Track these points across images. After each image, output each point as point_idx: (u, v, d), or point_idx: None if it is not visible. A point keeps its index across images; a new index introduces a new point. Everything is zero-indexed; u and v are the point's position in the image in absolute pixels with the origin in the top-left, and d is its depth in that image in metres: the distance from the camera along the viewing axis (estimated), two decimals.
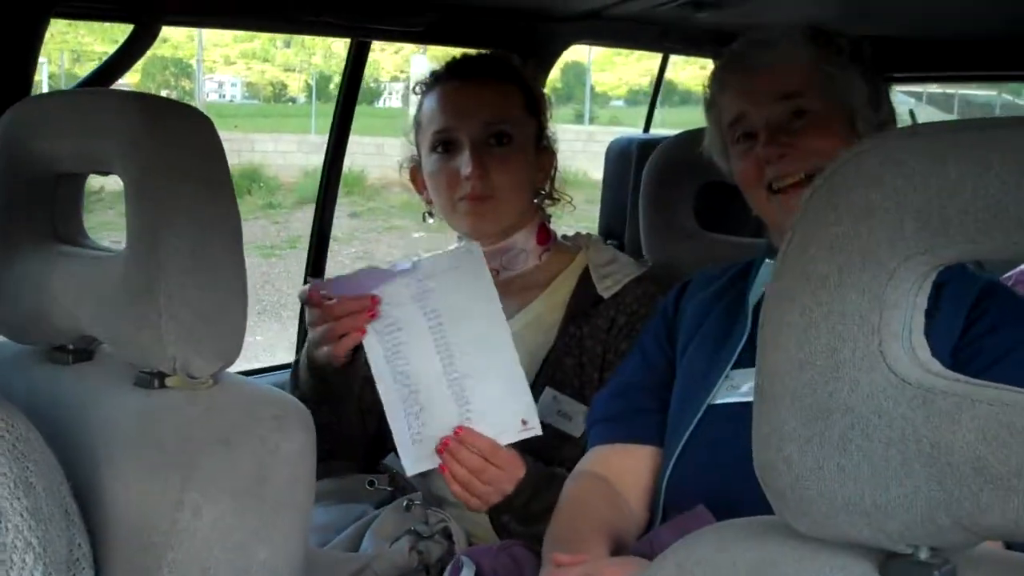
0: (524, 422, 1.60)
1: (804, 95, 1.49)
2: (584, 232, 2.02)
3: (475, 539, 1.73)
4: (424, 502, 1.73)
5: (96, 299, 1.20)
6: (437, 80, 1.87)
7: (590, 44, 2.53)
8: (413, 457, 1.62)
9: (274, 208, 12.26)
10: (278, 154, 14.06)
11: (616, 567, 1.32)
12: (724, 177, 1.65)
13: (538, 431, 1.61)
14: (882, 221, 0.73)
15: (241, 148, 14.00)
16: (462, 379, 1.61)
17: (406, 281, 1.62)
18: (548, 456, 1.71)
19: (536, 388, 1.76)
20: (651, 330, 1.68)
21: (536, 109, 1.90)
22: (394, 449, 1.91)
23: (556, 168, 1.97)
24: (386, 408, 1.63)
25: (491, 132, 1.81)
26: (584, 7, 2.19)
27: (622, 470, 1.56)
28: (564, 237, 1.98)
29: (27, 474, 1.01)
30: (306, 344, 1.78)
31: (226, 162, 1.21)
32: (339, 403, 1.82)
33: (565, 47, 2.36)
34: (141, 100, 1.21)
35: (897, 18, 2.28)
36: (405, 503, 1.72)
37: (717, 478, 1.41)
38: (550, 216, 1.96)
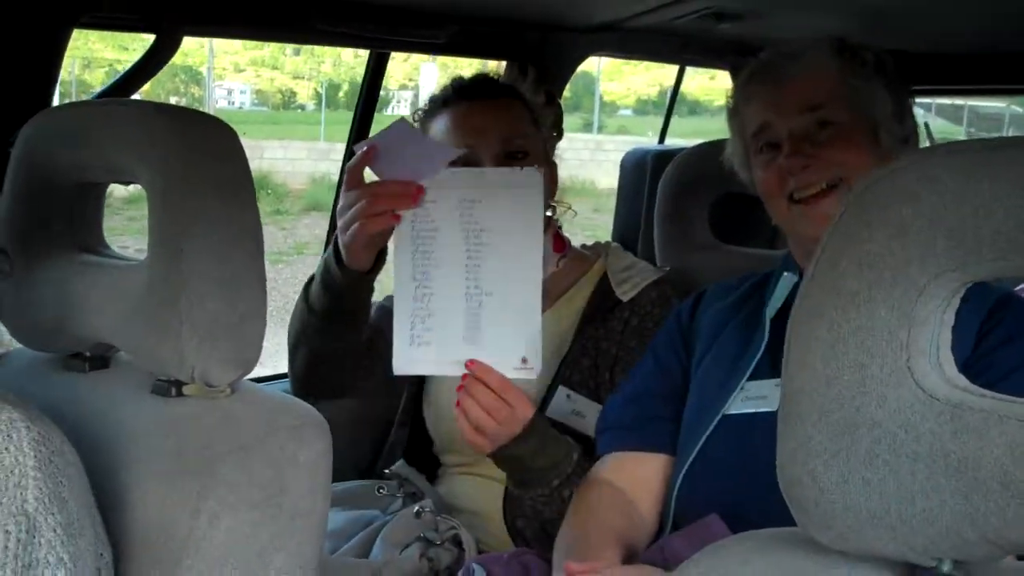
0: (524, 360, 1.56)
1: (829, 106, 1.49)
2: (603, 241, 2.03)
3: (485, 547, 1.74)
4: (435, 509, 1.73)
5: (117, 308, 1.20)
6: (445, 103, 1.87)
7: (608, 56, 2.53)
8: (405, 358, 1.58)
9: (281, 214, 12.29)
10: (287, 161, 14.10)
11: (628, 575, 1.32)
12: (740, 188, 1.65)
13: (535, 374, 1.57)
14: (915, 239, 0.73)
15: (250, 155, 13.98)
16: (480, 295, 1.57)
17: (456, 182, 1.59)
18: None
19: (552, 388, 1.78)
20: (665, 337, 1.68)
21: (543, 122, 1.91)
22: (402, 455, 1.92)
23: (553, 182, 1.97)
24: (396, 301, 1.59)
25: (509, 148, 1.81)
26: (602, 19, 2.19)
27: (634, 478, 1.56)
28: (583, 247, 1.99)
29: (60, 489, 1.01)
30: (325, 255, 1.75)
31: (249, 172, 1.21)
32: (347, 325, 1.79)
33: (583, 59, 2.36)
34: (166, 111, 1.22)
35: (914, 32, 2.28)
36: (416, 510, 1.72)
37: (729, 488, 1.41)
38: (560, 225, 1.96)
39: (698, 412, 1.53)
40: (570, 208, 1.97)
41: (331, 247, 1.72)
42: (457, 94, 1.87)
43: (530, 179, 1.58)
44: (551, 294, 1.87)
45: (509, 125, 1.83)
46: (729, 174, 1.65)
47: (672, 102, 3.08)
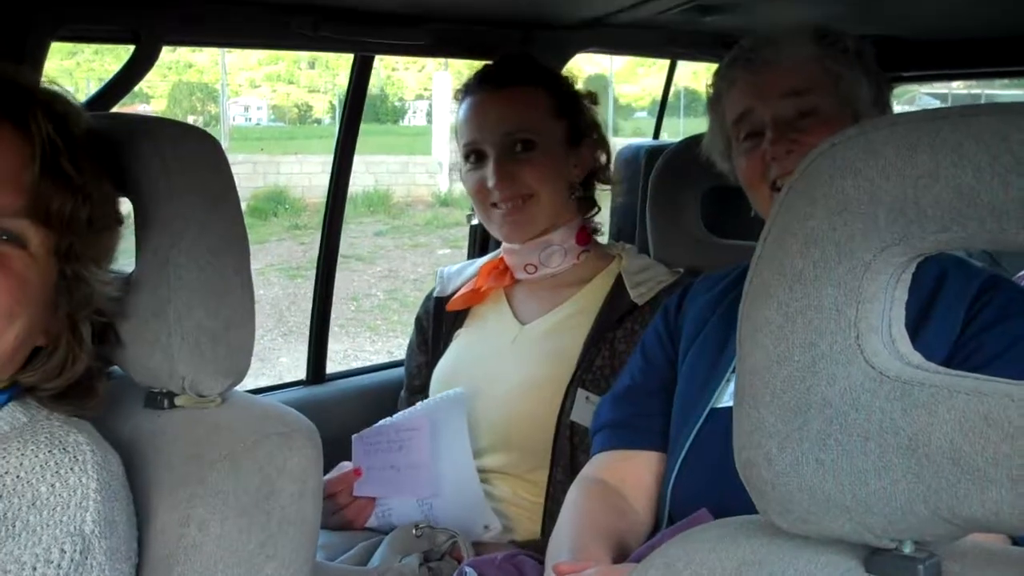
0: (486, 527, 1.77)
1: (812, 92, 1.48)
2: (619, 242, 2.08)
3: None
4: (430, 526, 1.75)
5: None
6: (468, 91, 1.94)
7: (596, 51, 2.52)
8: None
9: (299, 229, 12.30)
10: (303, 175, 14.14)
11: (618, 574, 1.31)
12: (729, 181, 1.64)
13: (499, 530, 1.77)
14: (856, 213, 0.73)
15: (267, 171, 14.08)
16: (431, 499, 1.79)
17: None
18: (583, 454, 1.74)
19: (569, 389, 1.82)
20: (653, 333, 1.68)
21: (567, 110, 1.94)
22: None
23: (601, 160, 2.02)
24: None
25: (514, 141, 1.88)
26: (588, 14, 2.19)
27: (626, 475, 1.56)
28: (603, 245, 2.04)
29: (113, 513, 1.04)
30: None
31: (233, 182, 1.22)
32: None
33: (570, 56, 2.35)
34: (149, 123, 1.23)
35: (900, 19, 2.26)
36: (414, 529, 1.74)
37: (722, 482, 1.40)
38: (597, 210, 2.04)
39: (686, 407, 1.53)
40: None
41: None
42: (478, 81, 1.94)
43: (456, 401, 1.81)
44: (568, 286, 1.94)
45: (517, 118, 1.89)
46: (715, 167, 1.65)
47: (665, 97, 3.07)
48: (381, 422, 1.87)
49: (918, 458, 0.70)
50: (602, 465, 1.59)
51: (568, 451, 1.80)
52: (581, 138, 1.96)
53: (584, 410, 1.79)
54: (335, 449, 1.91)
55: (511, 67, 1.95)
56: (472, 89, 1.94)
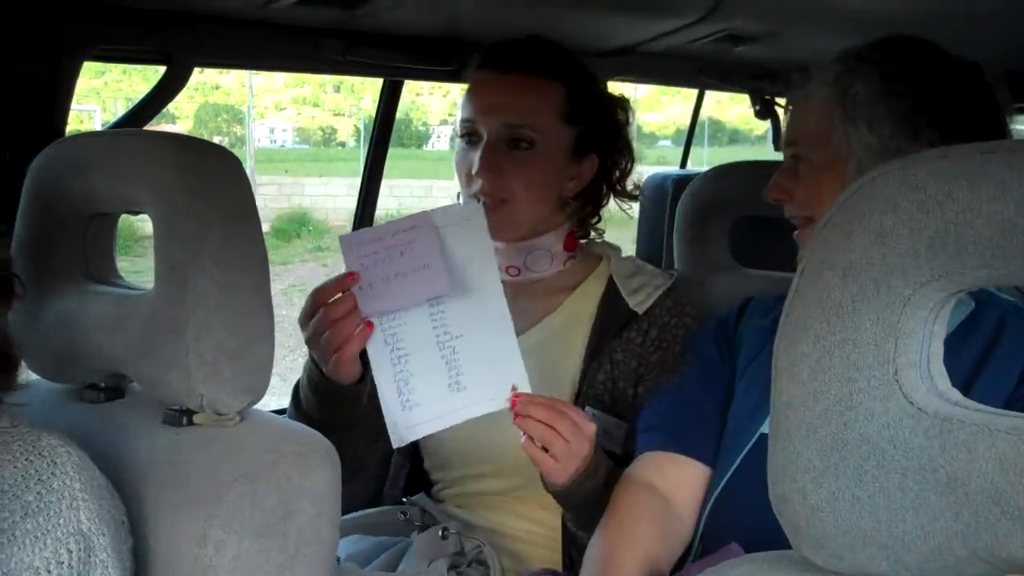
0: (514, 387, 1.51)
1: (802, 144, 1.46)
2: (603, 241, 1.90)
3: (507, 571, 1.70)
4: (459, 531, 1.70)
5: (126, 338, 1.21)
6: (479, 62, 1.77)
7: (625, 80, 2.52)
8: (403, 426, 1.52)
9: (322, 251, 12.35)
10: (327, 198, 14.22)
11: None
12: (757, 211, 1.63)
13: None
14: (895, 247, 0.72)
15: (292, 192, 14.16)
16: (451, 341, 1.53)
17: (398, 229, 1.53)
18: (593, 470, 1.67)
19: (575, 396, 1.72)
20: (711, 341, 1.62)
21: (581, 116, 1.76)
22: (404, 483, 1.86)
23: (623, 172, 1.86)
24: (375, 371, 1.52)
25: (511, 135, 1.70)
26: (617, 43, 2.19)
27: (678, 482, 1.51)
28: (586, 244, 1.88)
29: (103, 511, 1.05)
30: (306, 364, 1.64)
31: (254, 200, 1.22)
32: (350, 428, 1.65)
33: None
34: (170, 140, 1.23)
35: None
36: (441, 531, 1.68)
37: (762, 510, 1.38)
38: (597, 221, 1.87)
39: (737, 429, 1.49)
40: (629, 210, 1.92)
41: (308, 363, 1.62)
42: (489, 57, 1.76)
43: (471, 213, 1.54)
44: (556, 293, 1.81)
45: (523, 110, 1.71)
46: (746, 197, 1.64)
47: (692, 126, 3.07)
48: (372, 227, 1.59)
49: (957, 496, 0.69)
50: (652, 466, 1.53)
51: None
52: (587, 150, 1.78)
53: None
54: (377, 470, 1.90)
55: (533, 50, 1.74)
56: (485, 61, 1.75)
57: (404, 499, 1.83)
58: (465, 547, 1.68)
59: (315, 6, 1.68)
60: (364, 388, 1.59)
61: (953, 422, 0.70)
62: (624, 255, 1.86)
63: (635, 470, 1.54)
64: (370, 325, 1.50)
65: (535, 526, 1.75)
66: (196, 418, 1.21)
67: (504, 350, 1.52)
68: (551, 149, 1.73)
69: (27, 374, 1.26)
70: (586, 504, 1.53)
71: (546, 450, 1.46)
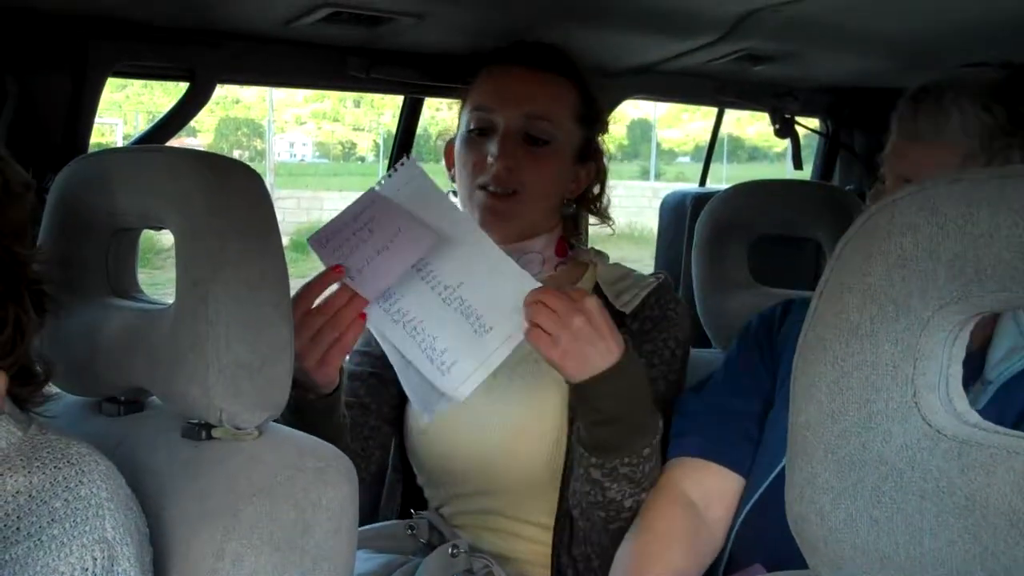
0: (509, 337, 1.50)
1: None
2: (590, 248, 1.90)
3: None
4: (469, 549, 1.69)
5: (146, 352, 1.22)
6: (494, 58, 1.78)
7: (644, 99, 2.53)
8: (452, 388, 1.50)
9: None
10: None
11: None
12: (777, 230, 1.63)
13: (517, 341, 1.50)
14: (914, 270, 0.72)
15: (311, 206, 14.23)
16: (456, 292, 1.51)
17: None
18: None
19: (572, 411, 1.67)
20: (753, 346, 1.60)
21: (589, 120, 1.78)
22: (400, 499, 1.85)
23: (595, 191, 1.86)
24: (404, 354, 1.51)
25: (530, 127, 1.70)
26: (637, 61, 2.19)
27: (713, 492, 1.50)
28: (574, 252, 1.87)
29: (129, 521, 1.05)
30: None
31: (275, 216, 1.23)
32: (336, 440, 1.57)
33: (618, 102, 2.36)
34: (192, 157, 1.24)
35: (948, 69, 2.25)
36: (450, 549, 1.68)
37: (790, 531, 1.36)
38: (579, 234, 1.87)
39: (773, 442, 1.47)
40: (612, 224, 1.90)
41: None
42: (509, 52, 1.76)
43: (408, 171, 1.53)
44: None
45: (543, 103, 1.71)
46: (765, 215, 1.64)
47: (712, 145, 3.07)
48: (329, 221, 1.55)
49: (975, 519, 0.69)
50: (687, 473, 1.51)
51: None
52: (588, 156, 1.80)
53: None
54: (372, 484, 1.90)
55: (551, 52, 1.75)
56: (503, 56, 1.75)
57: (413, 512, 1.83)
58: (474, 566, 1.67)
59: (338, 24, 1.69)
60: (339, 398, 1.58)
61: (972, 444, 0.70)
62: (611, 262, 1.85)
63: (669, 477, 1.52)
64: (363, 316, 1.49)
65: (529, 545, 1.74)
66: (215, 432, 1.21)
67: (508, 275, 1.51)
68: (564, 147, 1.74)
69: (49, 385, 1.27)
70: (610, 409, 1.48)
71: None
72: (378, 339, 1.56)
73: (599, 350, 1.45)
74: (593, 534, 1.64)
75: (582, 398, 1.49)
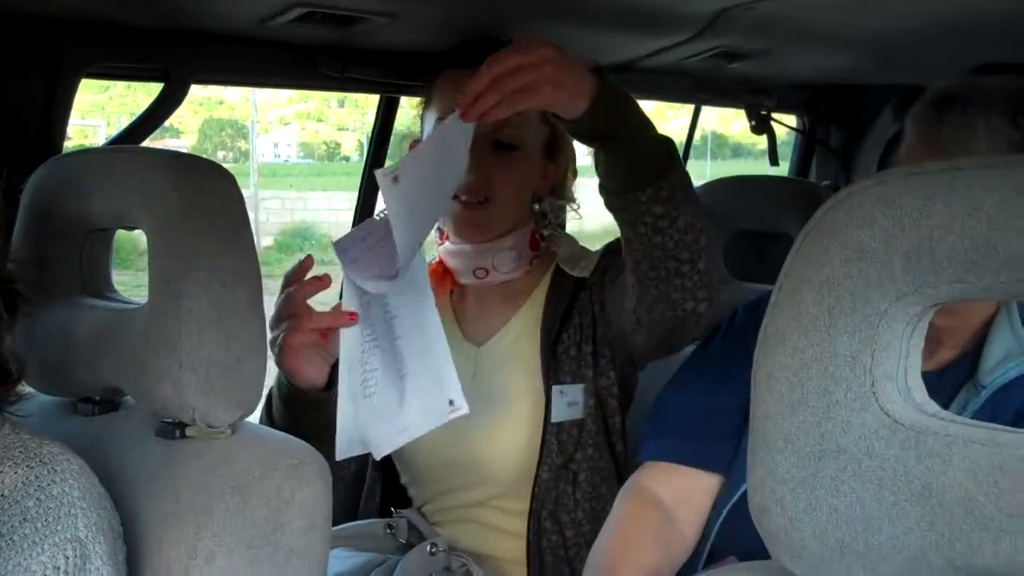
0: (451, 402, 1.48)
1: None
2: (555, 233, 1.87)
3: None
4: (446, 548, 1.70)
5: (119, 351, 1.22)
6: (452, 61, 1.75)
7: None
8: (374, 443, 1.49)
9: (324, 265, 12.35)
10: (330, 212, 14.23)
11: None
12: (752, 225, 1.63)
13: (466, 411, 1.47)
14: (871, 261, 0.73)
15: (295, 207, 14.18)
16: (402, 355, 1.51)
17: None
18: (570, 452, 1.68)
19: (549, 394, 1.69)
20: (740, 333, 1.58)
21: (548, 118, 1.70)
22: (379, 498, 1.84)
23: (570, 176, 1.85)
24: (341, 389, 1.48)
25: (497, 134, 1.68)
26: (614, 59, 2.20)
27: (683, 494, 1.49)
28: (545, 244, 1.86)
29: (101, 520, 1.05)
30: (278, 373, 1.59)
31: (247, 216, 1.23)
32: (318, 438, 1.52)
33: None
34: (165, 157, 1.24)
35: (926, 66, 2.27)
36: (429, 548, 1.69)
37: None
38: (562, 221, 1.86)
39: None
40: (577, 208, 1.88)
41: (279, 373, 1.58)
42: (463, 55, 1.69)
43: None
44: (517, 295, 1.80)
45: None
46: (740, 211, 1.64)
47: (689, 141, 3.08)
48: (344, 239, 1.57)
49: (931, 507, 0.70)
50: (658, 476, 1.51)
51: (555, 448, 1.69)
52: (556, 150, 1.79)
53: (560, 406, 1.68)
54: (352, 482, 1.91)
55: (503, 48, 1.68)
56: (462, 59, 1.68)
57: (393, 510, 1.83)
58: (452, 564, 1.68)
59: (311, 24, 1.69)
60: (330, 398, 1.55)
61: (928, 433, 0.71)
62: (569, 239, 1.85)
63: (639, 480, 1.52)
64: (353, 316, 1.49)
65: (507, 541, 1.75)
66: (189, 431, 1.22)
67: (440, 368, 1.50)
68: (531, 148, 1.74)
69: (23, 384, 1.27)
70: (615, 134, 1.44)
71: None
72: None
73: (578, 68, 1.38)
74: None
75: (599, 132, 1.44)
